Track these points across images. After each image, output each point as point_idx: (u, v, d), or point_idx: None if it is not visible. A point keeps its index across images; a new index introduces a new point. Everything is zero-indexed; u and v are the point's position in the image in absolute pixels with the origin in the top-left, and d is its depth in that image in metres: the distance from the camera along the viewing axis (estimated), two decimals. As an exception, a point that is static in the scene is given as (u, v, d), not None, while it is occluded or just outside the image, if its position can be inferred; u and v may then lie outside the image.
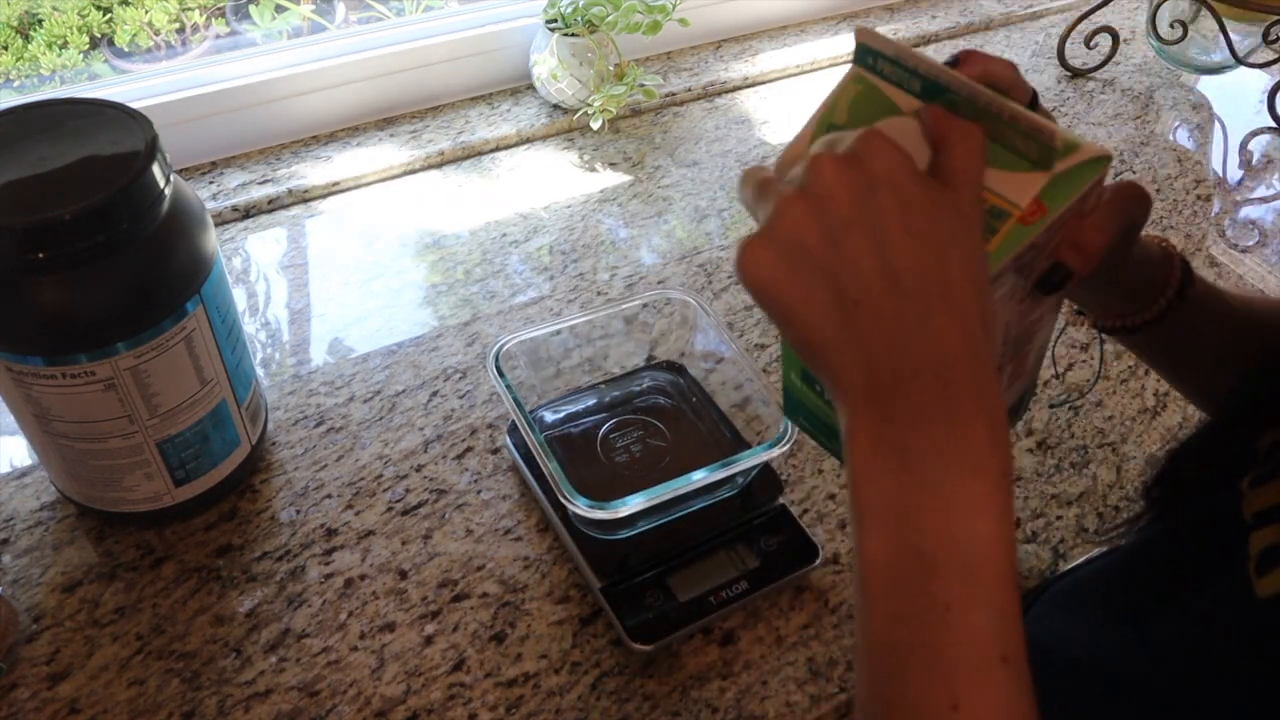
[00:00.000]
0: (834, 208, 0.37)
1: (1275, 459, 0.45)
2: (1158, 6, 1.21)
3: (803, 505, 0.75)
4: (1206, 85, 1.26)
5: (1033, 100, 0.45)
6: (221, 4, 1.21)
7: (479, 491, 0.74)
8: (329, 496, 0.74)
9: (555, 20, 1.09)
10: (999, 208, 0.40)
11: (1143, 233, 0.53)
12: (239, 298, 0.90)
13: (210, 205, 0.97)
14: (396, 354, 0.85)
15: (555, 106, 1.12)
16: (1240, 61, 1.16)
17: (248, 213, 0.98)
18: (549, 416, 0.75)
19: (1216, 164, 1.15)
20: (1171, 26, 1.19)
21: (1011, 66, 0.43)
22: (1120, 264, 0.53)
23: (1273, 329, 0.58)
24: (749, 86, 1.21)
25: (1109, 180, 0.44)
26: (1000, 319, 0.44)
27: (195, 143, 1.02)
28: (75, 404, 0.60)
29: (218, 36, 1.21)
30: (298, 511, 0.72)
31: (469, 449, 0.77)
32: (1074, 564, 0.69)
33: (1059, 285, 0.44)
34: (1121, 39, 1.27)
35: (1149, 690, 0.48)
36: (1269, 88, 1.19)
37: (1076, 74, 1.26)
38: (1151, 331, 0.56)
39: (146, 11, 1.16)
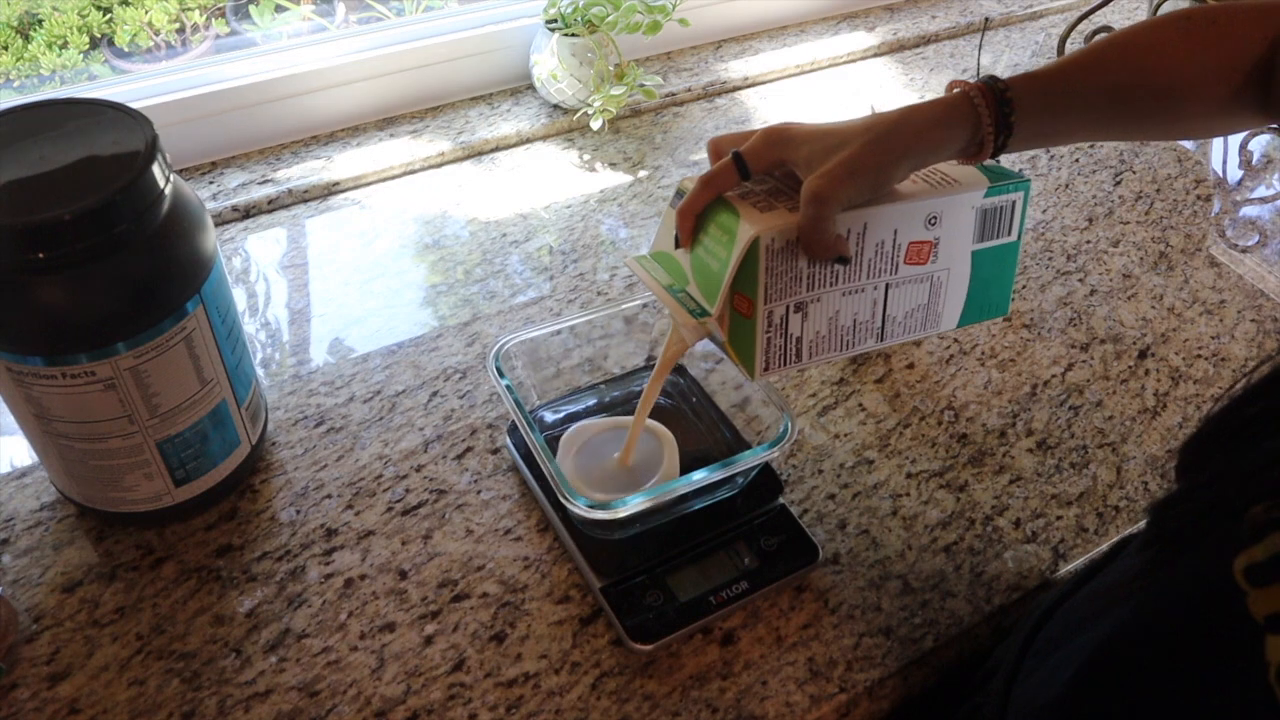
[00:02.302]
0: None
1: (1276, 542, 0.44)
2: (1157, 6, 1.21)
3: (803, 505, 0.75)
4: (1206, 85, 1.26)
5: (739, 160, 0.57)
6: (221, 4, 1.21)
7: (479, 491, 0.74)
8: (329, 496, 0.74)
9: (555, 20, 1.09)
10: (716, 337, 0.59)
11: (953, 84, 0.58)
12: (239, 298, 0.90)
13: (210, 205, 0.97)
14: (396, 354, 0.85)
15: (555, 106, 1.12)
16: (1240, 61, 1.16)
17: (248, 213, 0.98)
18: (549, 416, 0.75)
19: (1216, 164, 1.15)
20: (1171, 26, 1.19)
21: (712, 184, 0.57)
22: (919, 150, 0.56)
23: (1109, 77, 0.59)
24: (749, 86, 1.22)
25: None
26: (832, 304, 0.57)
27: (195, 143, 1.02)
28: (75, 404, 0.60)
29: (218, 36, 1.21)
30: (298, 511, 0.72)
31: (469, 449, 0.77)
32: (1059, 597, 0.67)
33: (845, 264, 0.56)
34: (1121, 39, 1.27)
35: None
36: (1269, 88, 1.19)
37: (1076, 74, 1.26)
38: (1014, 149, 0.58)
39: (146, 11, 1.16)
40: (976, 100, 0.56)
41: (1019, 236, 0.62)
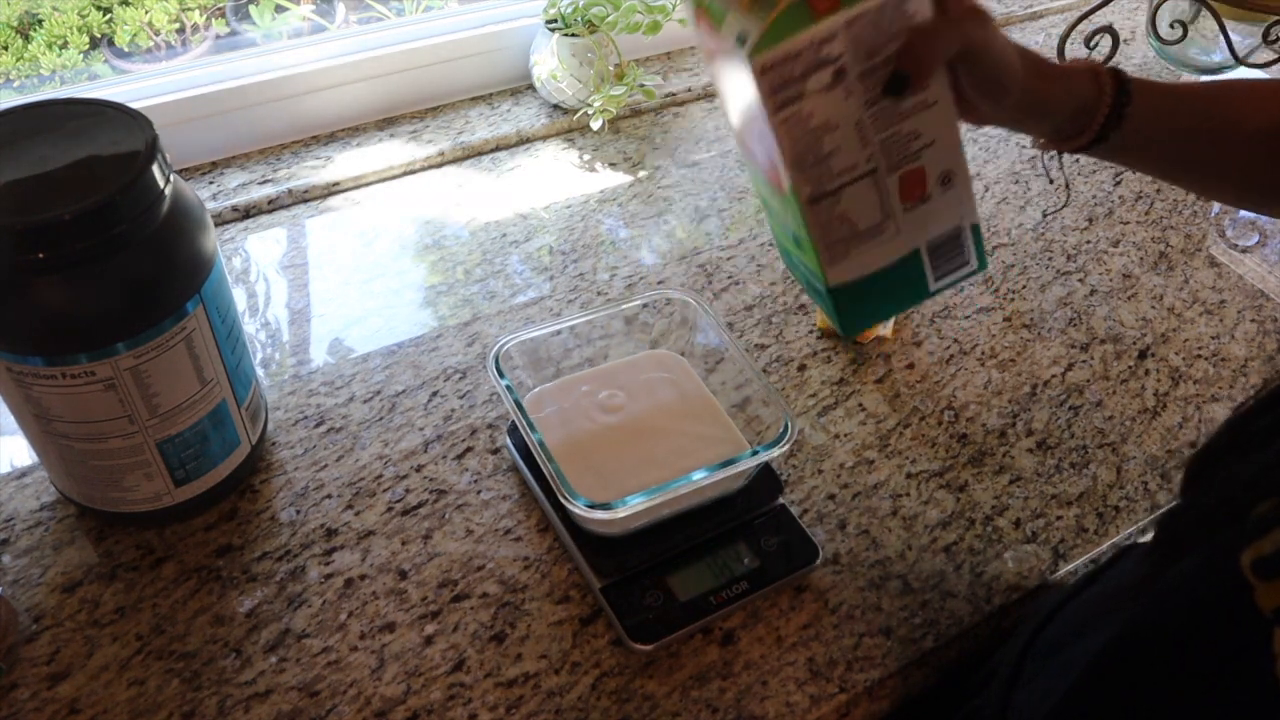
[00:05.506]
0: None
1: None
2: (1158, 6, 1.21)
3: (803, 505, 0.75)
4: (1206, 85, 1.26)
5: None
6: (221, 4, 1.21)
7: (479, 491, 0.74)
8: (329, 496, 0.74)
9: (555, 20, 1.09)
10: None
11: (1076, 60, 0.55)
12: (239, 298, 0.90)
13: (210, 205, 0.97)
14: (396, 354, 0.85)
15: (555, 106, 1.12)
16: (1240, 62, 1.16)
17: (248, 213, 0.98)
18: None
19: (1216, 164, 1.15)
20: (1171, 27, 1.19)
21: None
22: (1016, 105, 0.53)
23: (1233, 115, 0.57)
24: (749, 86, 1.21)
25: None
26: (843, 116, 0.51)
27: (195, 143, 1.02)
28: (75, 404, 0.60)
29: (218, 37, 1.21)
30: (298, 511, 0.72)
31: (469, 449, 0.77)
32: (1060, 600, 0.67)
33: (899, 90, 0.51)
34: (1121, 39, 1.27)
35: None
36: (1269, 88, 1.19)
37: (1076, 74, 1.26)
38: (1102, 150, 0.57)
39: (146, 11, 1.16)
40: (1103, 79, 0.55)
41: (936, 286, 0.59)
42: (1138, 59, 1.30)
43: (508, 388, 0.69)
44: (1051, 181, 1.07)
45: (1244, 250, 1.02)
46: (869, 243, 0.56)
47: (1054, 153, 0.60)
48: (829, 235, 0.54)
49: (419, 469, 0.76)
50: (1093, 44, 1.26)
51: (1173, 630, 0.48)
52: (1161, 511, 0.77)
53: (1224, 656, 0.45)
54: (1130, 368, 0.89)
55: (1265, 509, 0.43)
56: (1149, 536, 0.77)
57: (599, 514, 0.63)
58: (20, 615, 0.65)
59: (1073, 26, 1.26)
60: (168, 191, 0.60)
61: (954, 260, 0.58)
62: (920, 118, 0.53)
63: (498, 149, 1.09)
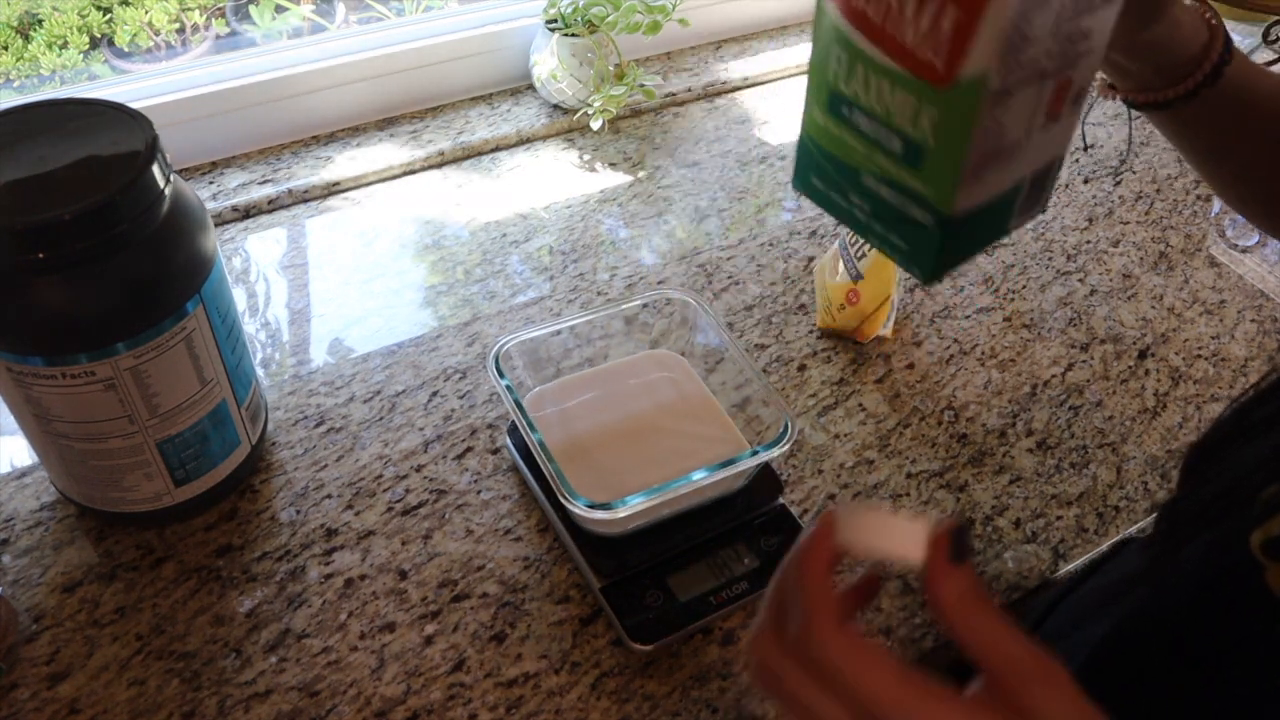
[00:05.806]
0: None
1: None
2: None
3: (803, 505, 0.75)
4: (1206, 85, 1.26)
5: None
6: (221, 4, 1.21)
7: (479, 491, 0.74)
8: (329, 496, 0.74)
9: (555, 20, 1.09)
10: None
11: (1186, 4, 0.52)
12: (239, 298, 0.90)
13: (210, 205, 0.97)
14: (396, 354, 0.85)
15: (555, 106, 1.12)
16: (1240, 61, 1.16)
17: (248, 213, 0.98)
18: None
19: (1216, 164, 1.15)
20: (1171, 26, 1.19)
21: None
22: (1154, 30, 0.51)
23: None
24: (749, 86, 1.22)
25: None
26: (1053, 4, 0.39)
27: (195, 143, 1.02)
28: (75, 404, 0.60)
29: (218, 37, 1.21)
30: (298, 511, 0.72)
31: (469, 449, 0.77)
32: (1059, 595, 0.66)
33: None
34: (1121, 39, 1.27)
35: None
36: (1269, 88, 1.18)
37: (1076, 74, 1.26)
38: (1181, 109, 0.54)
39: (146, 11, 1.16)
40: (1216, 28, 0.52)
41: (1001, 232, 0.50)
42: (1138, 59, 1.30)
43: (508, 388, 0.69)
44: (1087, 149, 1.06)
45: (1244, 250, 1.02)
46: (999, 162, 0.44)
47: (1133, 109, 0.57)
48: (982, 145, 0.42)
49: (419, 469, 0.76)
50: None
51: (1177, 616, 0.48)
52: (1164, 502, 0.77)
53: (1231, 639, 0.45)
54: (1130, 368, 0.89)
55: (1274, 491, 0.44)
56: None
57: (599, 514, 0.63)
58: (20, 615, 0.65)
59: (1073, 26, 1.25)
60: (168, 191, 0.60)
61: (1038, 196, 0.49)
62: (1099, 15, 0.42)
63: (497, 149, 1.09)
